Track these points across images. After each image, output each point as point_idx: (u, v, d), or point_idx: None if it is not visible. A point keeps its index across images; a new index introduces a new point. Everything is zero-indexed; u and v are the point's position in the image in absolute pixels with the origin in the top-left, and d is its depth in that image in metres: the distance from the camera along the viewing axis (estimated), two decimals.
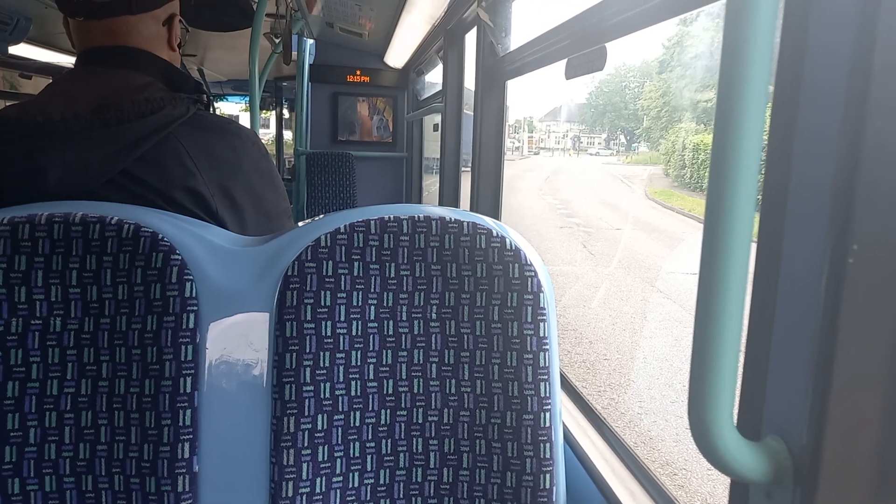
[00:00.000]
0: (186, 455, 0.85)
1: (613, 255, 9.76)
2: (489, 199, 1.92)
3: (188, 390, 0.85)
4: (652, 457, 3.68)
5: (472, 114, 2.00)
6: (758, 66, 0.46)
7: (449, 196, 2.43)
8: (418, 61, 3.59)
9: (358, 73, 4.00)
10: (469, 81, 2.31)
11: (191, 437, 0.85)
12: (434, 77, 3.85)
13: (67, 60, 3.99)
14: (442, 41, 2.51)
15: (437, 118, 2.84)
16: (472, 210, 1.48)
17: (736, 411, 0.58)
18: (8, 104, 1.24)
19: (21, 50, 3.60)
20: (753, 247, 0.56)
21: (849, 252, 0.47)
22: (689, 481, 3.49)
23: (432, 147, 3.94)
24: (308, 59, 3.79)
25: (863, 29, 0.47)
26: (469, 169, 2.08)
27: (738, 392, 0.54)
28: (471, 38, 2.19)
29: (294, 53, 3.41)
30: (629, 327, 6.16)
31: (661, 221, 13.83)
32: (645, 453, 3.72)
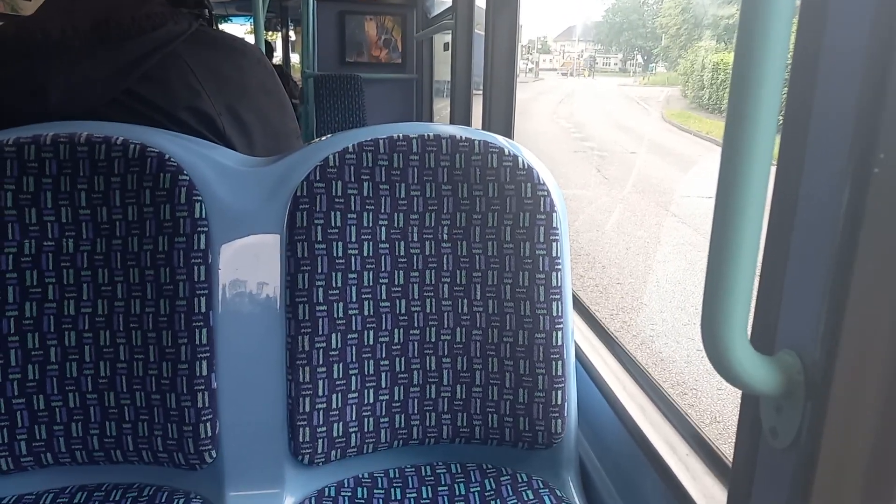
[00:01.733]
0: (205, 372, 0.87)
1: (628, 179, 9.64)
2: (501, 119, 1.88)
3: (203, 310, 0.86)
4: (663, 377, 3.74)
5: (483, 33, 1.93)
6: None
7: (460, 118, 2.38)
8: None
9: None
10: None
11: (208, 355, 0.87)
12: None
13: None
14: None
15: (448, 37, 2.75)
16: (483, 129, 1.44)
17: (750, 326, 0.58)
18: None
19: None
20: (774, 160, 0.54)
21: (875, 161, 0.46)
22: (700, 400, 3.56)
23: (443, 70, 3.83)
24: None
25: None
26: (481, 92, 2.03)
27: (752, 307, 0.54)
28: None
29: None
30: (643, 252, 6.15)
31: (678, 144, 13.57)
32: (656, 373, 3.78)
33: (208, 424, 0.87)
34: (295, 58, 6.91)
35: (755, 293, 0.53)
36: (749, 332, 0.54)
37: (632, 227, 6.93)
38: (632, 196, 8.47)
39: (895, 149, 0.46)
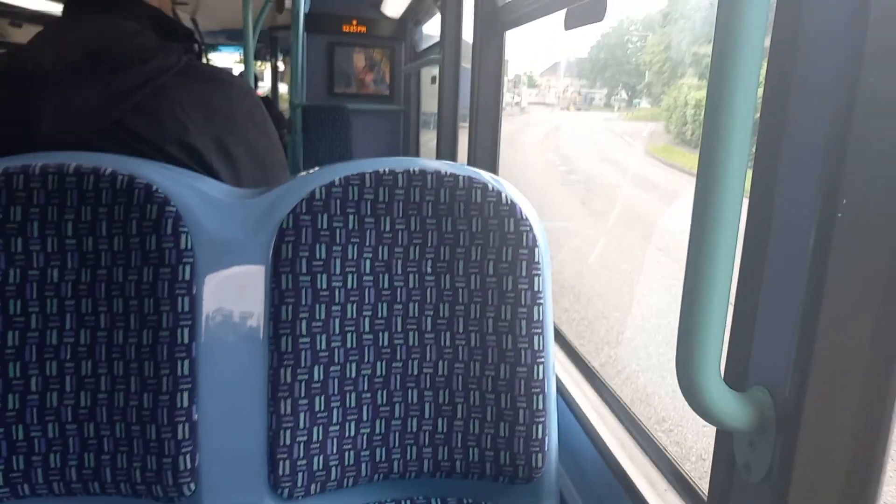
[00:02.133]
0: (186, 404, 0.87)
1: (613, 211, 9.73)
2: (487, 152, 1.91)
3: (186, 341, 0.87)
4: (647, 413, 3.69)
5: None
6: (754, 15, 0.46)
7: (447, 150, 2.41)
8: (416, 10, 3.52)
9: (354, 22, 3.91)
10: (468, 33, 2.26)
11: (189, 386, 0.87)
12: (432, 28, 3.77)
13: (58, 9, 3.90)
14: None
15: (435, 71, 2.80)
16: (469, 164, 1.47)
17: (723, 363, 0.59)
18: None
19: None
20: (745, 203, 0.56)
21: (839, 207, 0.48)
22: (685, 437, 3.53)
23: (430, 102, 3.88)
24: (303, 8, 3.71)
25: None
26: (467, 124, 2.06)
27: (725, 345, 0.55)
28: None
29: (288, 1, 3.33)
30: (627, 284, 6.18)
31: (662, 178, 13.75)
32: (641, 410, 3.74)
33: (188, 456, 0.87)
34: (283, 88, 6.96)
35: (728, 331, 0.55)
36: (722, 369, 0.56)
37: (617, 260, 6.98)
38: (617, 229, 8.54)
39: (857, 195, 0.48)
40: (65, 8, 1.05)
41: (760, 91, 0.50)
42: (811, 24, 0.51)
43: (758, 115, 0.56)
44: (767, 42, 0.54)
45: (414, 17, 3.67)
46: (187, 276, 0.87)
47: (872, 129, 0.47)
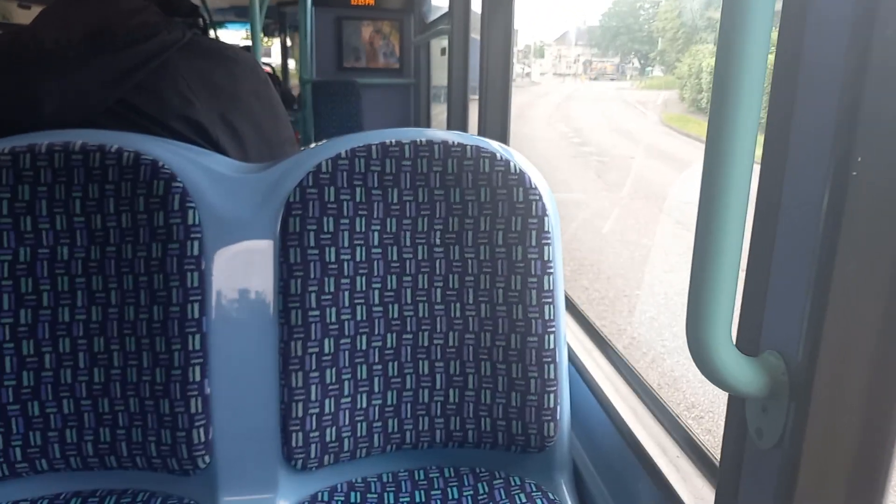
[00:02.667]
0: (198, 378, 0.87)
1: (628, 184, 9.59)
2: (497, 123, 1.89)
3: (196, 316, 0.87)
4: (676, 398, 3.47)
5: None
6: None
7: (457, 122, 2.39)
8: None
9: None
10: (476, 4, 2.22)
11: (201, 360, 0.87)
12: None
13: None
14: None
15: (445, 42, 2.76)
16: (479, 135, 1.45)
17: (735, 328, 0.59)
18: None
19: None
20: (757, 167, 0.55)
21: (852, 165, 0.46)
22: (718, 424, 3.41)
23: (440, 75, 3.84)
24: None
25: None
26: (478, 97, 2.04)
27: (737, 310, 0.54)
28: None
29: None
30: (648, 260, 6.06)
31: (679, 149, 13.52)
32: (669, 395, 3.51)
33: (201, 430, 0.88)
34: (292, 63, 6.92)
35: (740, 296, 0.54)
36: (734, 335, 0.55)
37: (636, 236, 6.86)
38: (634, 202, 8.39)
39: (872, 152, 0.46)
40: None
41: (771, 58, 0.49)
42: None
43: (769, 83, 0.55)
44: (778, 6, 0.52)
45: None
46: (196, 252, 0.87)
47: (886, 91, 0.45)
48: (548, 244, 0.93)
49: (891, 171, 0.46)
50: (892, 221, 0.48)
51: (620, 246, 6.48)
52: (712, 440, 3.20)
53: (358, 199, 0.91)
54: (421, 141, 0.92)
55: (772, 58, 0.51)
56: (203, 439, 0.88)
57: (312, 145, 0.95)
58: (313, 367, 0.90)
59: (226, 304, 0.89)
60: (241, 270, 0.89)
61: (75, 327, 0.88)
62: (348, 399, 0.93)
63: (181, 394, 0.87)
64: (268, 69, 6.54)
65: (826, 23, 0.49)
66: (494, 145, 0.94)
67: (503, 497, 0.92)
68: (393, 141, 0.92)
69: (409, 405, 0.96)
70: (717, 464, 0.71)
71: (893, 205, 0.47)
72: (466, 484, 0.95)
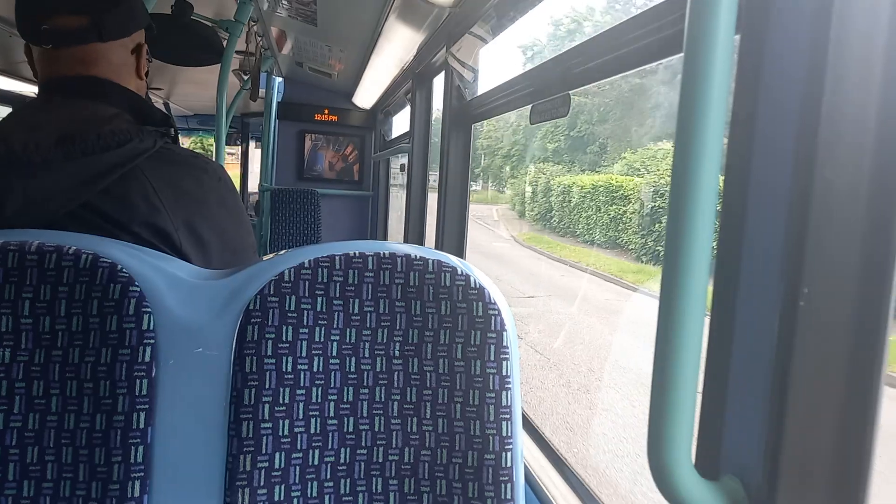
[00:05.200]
0: (136, 494, 0.82)
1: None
2: (454, 237, 1.94)
3: (141, 426, 0.83)
4: None
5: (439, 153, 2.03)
6: (715, 103, 0.49)
7: (415, 235, 2.44)
8: (386, 103, 3.64)
9: (326, 112, 4.03)
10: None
11: (141, 475, 0.82)
12: (400, 118, 3.90)
13: (29, 90, 3.93)
14: (410, 84, 2.55)
15: (404, 159, 2.87)
16: (437, 248, 1.49)
17: (694, 451, 0.59)
18: None
19: None
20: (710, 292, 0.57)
21: (800, 296, 0.49)
22: None
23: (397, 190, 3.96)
24: (276, 97, 3.81)
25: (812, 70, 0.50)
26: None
27: (695, 433, 0.55)
28: (438, 82, 2.24)
29: (262, 91, 3.42)
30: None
31: (564, 279, 11.43)
32: None
33: None
34: (254, 170, 7.03)
35: (697, 419, 0.55)
36: (693, 458, 0.56)
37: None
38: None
39: (818, 281, 0.50)
40: (41, 91, 1.06)
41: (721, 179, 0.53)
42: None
43: (721, 194, 0.59)
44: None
45: (384, 108, 3.80)
46: (147, 358, 0.84)
47: (829, 222, 0.49)
48: (506, 359, 0.94)
49: (836, 303, 0.49)
50: (841, 347, 0.50)
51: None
52: None
53: (318, 309, 0.91)
54: (384, 254, 0.94)
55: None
56: None
57: (274, 254, 0.95)
58: (261, 484, 0.86)
59: (174, 414, 0.85)
60: (194, 379, 0.87)
61: (8, 436, 0.82)
62: None
63: None
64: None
65: (772, 146, 0.54)
66: (455, 260, 0.97)
67: None
68: (356, 252, 0.93)
69: None
70: None
71: (840, 332, 0.50)
72: None
